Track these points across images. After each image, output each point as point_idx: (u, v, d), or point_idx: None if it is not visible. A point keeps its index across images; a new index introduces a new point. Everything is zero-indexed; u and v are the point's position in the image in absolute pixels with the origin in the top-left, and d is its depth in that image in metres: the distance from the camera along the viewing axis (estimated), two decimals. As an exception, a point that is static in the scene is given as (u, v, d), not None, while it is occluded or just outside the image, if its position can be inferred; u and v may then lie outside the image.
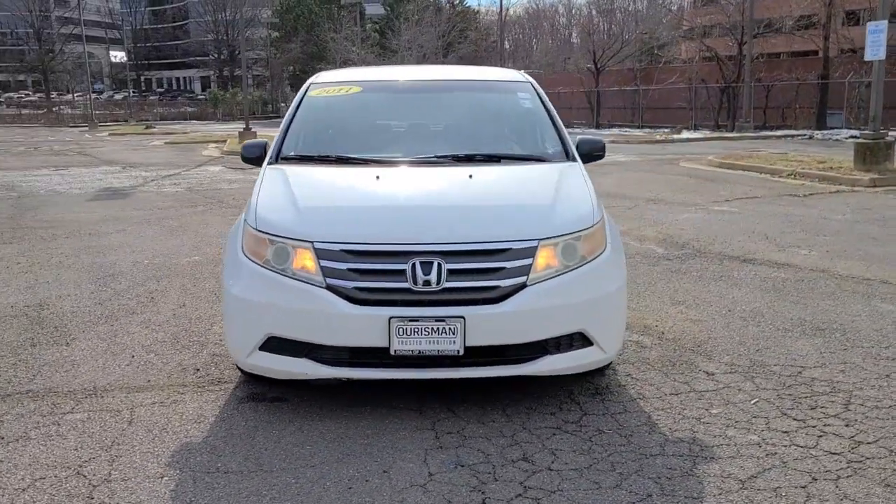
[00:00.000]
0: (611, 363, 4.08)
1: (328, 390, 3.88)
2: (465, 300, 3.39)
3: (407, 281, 3.38)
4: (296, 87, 64.09)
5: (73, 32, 73.13)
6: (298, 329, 3.46)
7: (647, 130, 33.11)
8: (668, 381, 4.11)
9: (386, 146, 4.54)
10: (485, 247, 3.47)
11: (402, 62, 53.69)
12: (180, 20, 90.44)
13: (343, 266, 3.42)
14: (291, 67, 61.39)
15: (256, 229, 3.64)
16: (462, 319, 3.35)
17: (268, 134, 32.49)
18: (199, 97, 75.62)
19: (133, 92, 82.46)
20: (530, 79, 5.15)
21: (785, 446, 3.34)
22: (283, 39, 60.64)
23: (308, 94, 4.91)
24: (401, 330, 3.34)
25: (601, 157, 4.83)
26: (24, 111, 54.25)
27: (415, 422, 3.58)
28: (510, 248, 3.47)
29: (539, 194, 3.85)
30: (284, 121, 4.66)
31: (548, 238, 3.54)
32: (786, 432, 3.48)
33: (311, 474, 3.10)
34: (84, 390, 4.00)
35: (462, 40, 52.53)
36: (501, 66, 50.46)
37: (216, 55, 71.00)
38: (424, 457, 3.24)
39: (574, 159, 4.39)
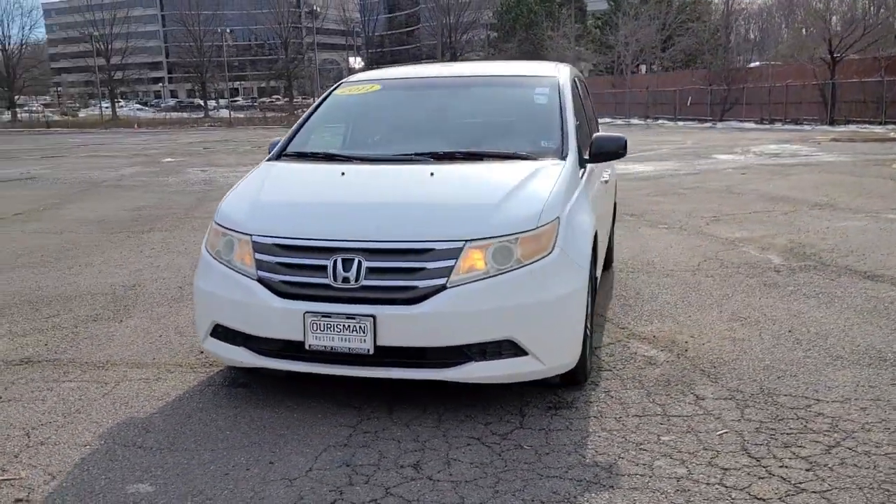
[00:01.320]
0: (583, 378, 3.88)
1: (290, 380, 4.02)
2: (380, 299, 3.38)
3: (328, 277, 3.43)
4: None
5: (316, 41, 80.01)
6: (235, 319, 3.65)
7: (892, 127, 29.56)
8: (643, 401, 3.79)
9: (380, 143, 4.61)
10: (406, 246, 3.43)
11: (617, 58, 52.59)
12: (412, 25, 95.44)
13: (273, 260, 3.55)
14: (509, 67, 62.41)
15: (215, 221, 3.88)
16: (372, 318, 3.34)
17: None
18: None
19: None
20: (563, 73, 4.94)
21: (707, 485, 2.97)
22: (500, 40, 61.87)
23: (334, 92, 5.10)
24: (314, 325, 3.41)
25: (621, 155, 4.57)
26: (270, 114, 60.13)
27: (344, 418, 3.63)
28: (433, 249, 3.40)
29: (489, 194, 3.71)
30: (301, 118, 4.88)
31: (476, 239, 3.42)
32: (725, 469, 3.09)
33: (207, 457, 3.27)
34: (96, 363, 4.50)
35: (683, 33, 50.27)
36: (732, 59, 47.53)
37: (440, 58, 73.95)
38: (320, 453, 3.28)
39: (564, 158, 4.17)
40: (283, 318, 3.46)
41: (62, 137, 41.26)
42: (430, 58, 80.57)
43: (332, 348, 3.41)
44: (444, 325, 3.36)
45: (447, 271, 3.37)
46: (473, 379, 3.47)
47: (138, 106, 77.87)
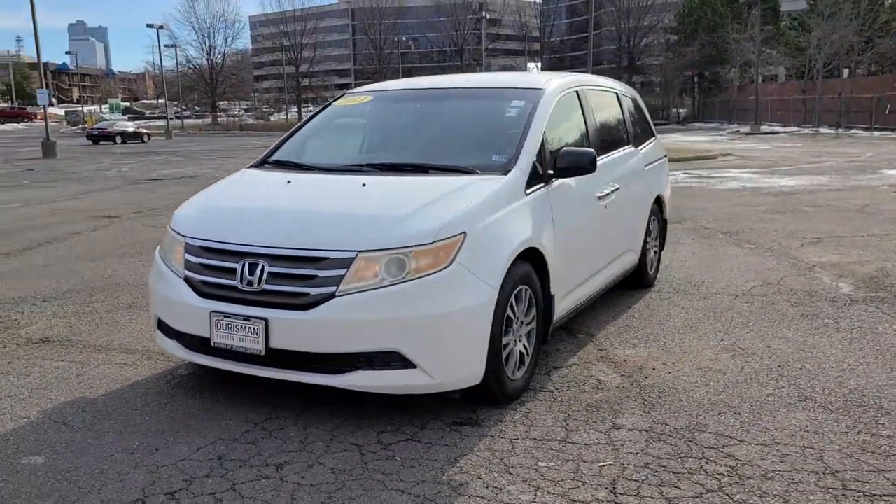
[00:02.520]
0: (502, 396, 3.87)
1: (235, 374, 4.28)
2: (275, 303, 3.58)
3: (236, 279, 3.68)
4: (689, 93, 62.60)
5: (493, 47, 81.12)
6: (167, 314, 4.00)
7: None
8: (554, 426, 3.71)
9: (344, 153, 4.78)
10: (303, 253, 3.60)
11: (808, 62, 49.04)
12: (593, 30, 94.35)
13: (196, 261, 3.86)
14: (688, 72, 60.10)
15: (170, 224, 4.25)
16: (265, 321, 3.54)
17: None
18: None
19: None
20: (552, 85, 4.88)
21: (538, 514, 2.90)
22: (680, 43, 59.68)
23: (334, 102, 5.35)
24: (218, 324, 3.66)
25: (589, 170, 4.49)
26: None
27: (256, 415, 3.84)
28: (327, 258, 3.55)
29: (400, 207, 3.77)
30: (295, 127, 5.18)
31: (370, 250, 3.52)
32: (573, 501, 3.00)
33: (110, 439, 3.60)
34: (97, 346, 5.03)
35: (885, 34, 46.04)
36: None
37: (616, 63, 72.60)
38: (206, 445, 3.52)
39: (507, 173, 4.15)
40: (197, 316, 3.75)
41: (248, 139, 44.90)
42: (610, 63, 79.27)
43: (231, 347, 3.65)
44: (332, 332, 3.49)
45: (338, 280, 3.50)
46: (360, 387, 3.57)
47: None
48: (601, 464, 3.31)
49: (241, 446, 3.50)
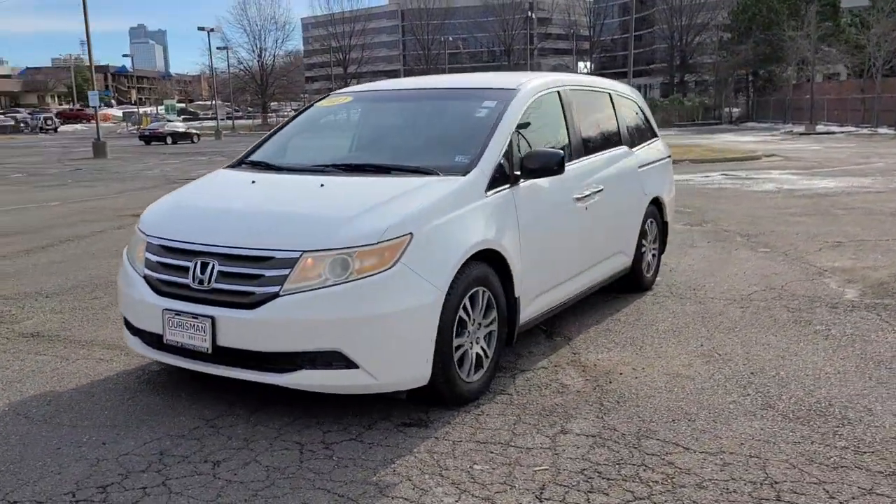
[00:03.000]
0: (452, 398, 3.88)
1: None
2: (223, 302, 3.64)
3: (188, 278, 3.76)
4: (743, 91, 61.26)
5: (543, 47, 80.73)
6: (129, 311, 4.10)
7: None
8: (501, 429, 3.69)
9: (314, 154, 4.83)
10: (251, 253, 3.65)
11: (867, 60, 47.56)
12: (644, 29, 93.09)
13: (156, 259, 3.95)
14: (742, 71, 58.85)
15: (137, 223, 4.36)
16: (211, 319, 3.61)
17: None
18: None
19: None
20: (528, 86, 4.85)
21: (454, 517, 2.90)
22: (734, 41, 58.46)
23: (317, 103, 5.42)
24: (170, 321, 3.75)
25: (556, 171, 4.46)
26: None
27: (210, 411, 3.91)
28: (273, 257, 3.60)
29: (351, 208, 3.80)
30: (276, 127, 5.25)
31: (314, 251, 3.56)
32: (493, 506, 2.99)
33: (64, 432, 3.71)
34: (82, 341, 5.18)
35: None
36: None
37: (668, 62, 71.54)
38: (153, 440, 3.60)
39: (466, 174, 4.14)
40: (152, 313, 3.84)
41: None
42: (662, 62, 78.12)
43: (181, 344, 3.72)
44: (275, 331, 3.54)
45: (282, 279, 3.54)
46: (304, 386, 3.61)
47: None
48: (536, 468, 3.28)
49: (186, 442, 3.57)
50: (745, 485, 3.11)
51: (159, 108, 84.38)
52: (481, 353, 4.09)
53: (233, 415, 3.88)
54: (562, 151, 4.46)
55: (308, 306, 3.50)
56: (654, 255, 6.56)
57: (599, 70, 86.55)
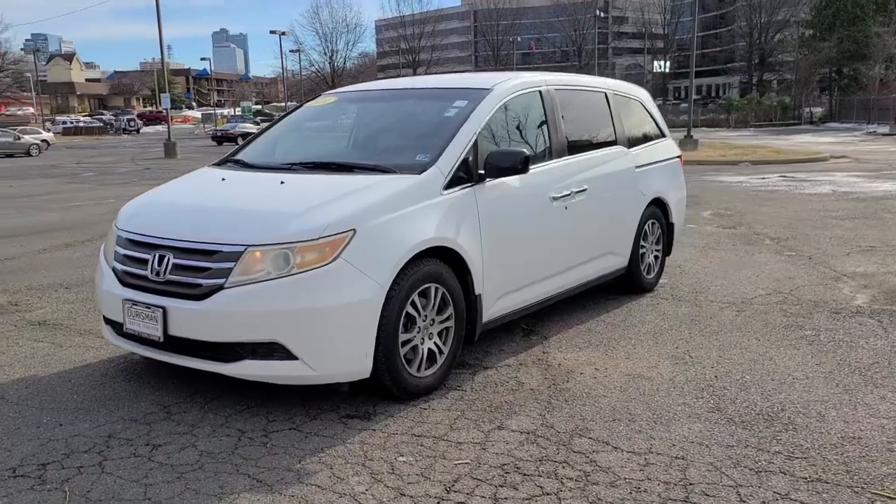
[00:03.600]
0: (399, 391, 3.97)
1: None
2: (175, 293, 3.83)
3: (147, 270, 3.97)
4: (827, 91, 59.05)
5: (617, 46, 79.60)
6: (101, 302, 4.34)
7: None
8: (442, 422, 3.77)
9: (289, 152, 4.98)
10: (201, 246, 3.83)
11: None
12: (724, 27, 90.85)
13: (123, 252, 4.17)
14: (825, 69, 56.77)
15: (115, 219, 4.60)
16: (162, 309, 3.81)
17: (714, 141, 31.03)
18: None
19: (673, 99, 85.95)
20: (504, 86, 4.90)
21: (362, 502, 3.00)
22: (816, 38, 56.46)
23: (307, 103, 5.59)
24: (129, 311, 3.96)
25: (519, 171, 4.51)
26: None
27: (170, 397, 4.11)
28: (220, 251, 3.77)
29: (300, 204, 3.93)
30: (265, 125, 5.45)
31: (257, 245, 3.71)
32: (402, 495, 3.07)
33: (31, 413, 3.94)
34: (82, 330, 5.46)
35: None
36: None
37: (747, 60, 69.58)
38: (107, 423, 3.81)
39: (421, 172, 4.23)
40: (116, 303, 4.06)
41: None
42: (741, 60, 76.05)
43: (138, 333, 3.93)
44: (220, 322, 3.70)
45: (227, 272, 3.71)
46: (247, 376, 3.76)
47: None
48: (458, 462, 3.35)
49: (136, 426, 3.77)
50: (658, 485, 3.11)
51: (236, 109, 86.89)
52: (434, 348, 4.16)
53: (191, 402, 4.07)
54: (525, 150, 4.49)
55: (250, 299, 3.65)
56: (656, 257, 6.50)
57: (675, 69, 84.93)
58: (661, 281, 6.68)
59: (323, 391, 4.03)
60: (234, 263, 3.70)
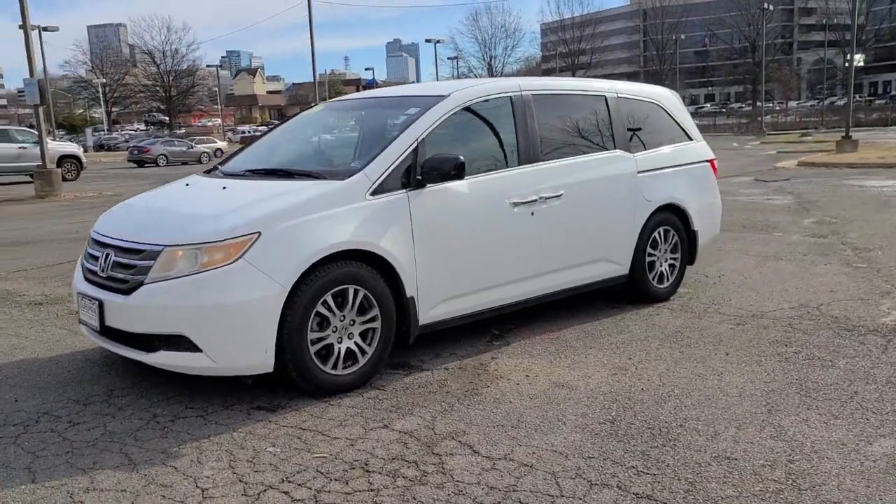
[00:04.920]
0: (311, 387, 4.20)
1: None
2: (111, 287, 4.30)
3: (97, 266, 4.48)
4: None
5: (801, 40, 74.82)
6: (73, 297, 4.91)
7: None
8: (332, 418, 3.97)
9: (257, 160, 5.34)
10: (133, 246, 4.28)
11: None
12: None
13: (88, 251, 4.72)
14: None
15: (98, 222, 5.17)
16: (99, 302, 4.29)
17: (882, 141, 28.33)
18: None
19: (868, 95, 79.80)
20: (460, 94, 5.02)
21: (189, 490, 3.29)
22: None
23: (303, 112, 5.98)
24: (80, 303, 4.49)
25: (455, 176, 4.63)
26: (724, 121, 58.69)
27: (128, 384, 4.60)
28: (144, 250, 4.20)
29: (220, 208, 4.28)
30: (261, 134, 5.89)
31: (172, 245, 4.10)
32: (245, 484, 3.32)
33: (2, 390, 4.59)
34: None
35: None
36: None
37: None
38: (53, 402, 4.34)
39: (345, 178, 4.46)
40: (75, 295, 4.61)
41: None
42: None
43: (86, 322, 4.44)
44: (139, 314, 4.12)
45: (148, 270, 4.13)
46: (162, 365, 4.16)
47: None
48: (316, 455, 3.55)
49: (73, 406, 4.26)
50: (482, 489, 3.16)
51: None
52: (355, 348, 4.36)
53: (134, 388, 4.52)
54: (461, 157, 4.59)
55: (162, 294, 4.04)
56: (671, 266, 6.31)
57: (873, 62, 78.84)
58: (682, 290, 6.48)
59: (257, 384, 4.32)
60: (153, 262, 4.10)
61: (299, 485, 3.26)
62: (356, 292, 4.31)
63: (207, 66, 78.72)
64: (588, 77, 73.36)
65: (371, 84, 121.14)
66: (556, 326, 5.55)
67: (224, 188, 4.67)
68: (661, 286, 6.24)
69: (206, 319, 3.97)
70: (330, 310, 4.23)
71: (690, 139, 6.64)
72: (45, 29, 45.37)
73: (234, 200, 4.42)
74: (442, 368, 4.72)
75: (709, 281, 6.96)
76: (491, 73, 72.65)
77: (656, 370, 4.55)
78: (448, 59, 67.75)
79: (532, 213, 5.14)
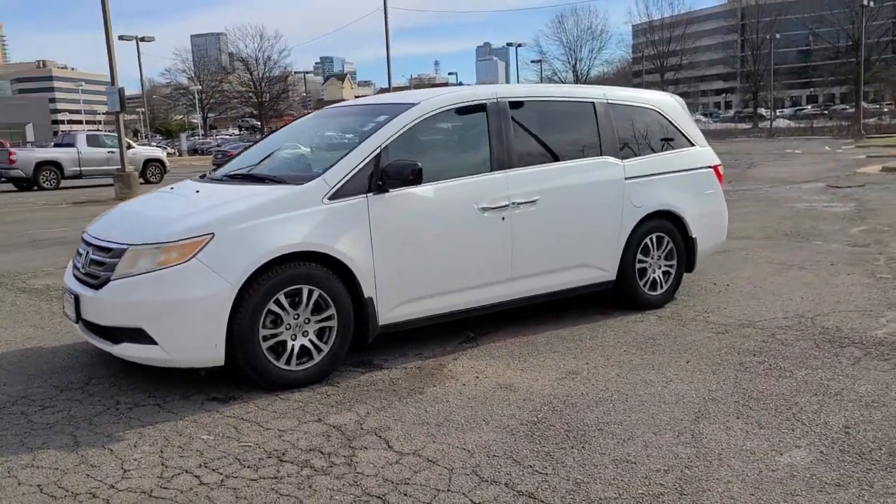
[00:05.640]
0: (263, 380, 4.46)
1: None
2: (87, 283, 4.68)
3: (80, 262, 4.88)
4: None
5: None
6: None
7: None
8: (276, 410, 4.20)
9: (239, 165, 5.64)
10: (104, 244, 4.64)
11: None
12: None
13: (78, 248, 5.13)
14: None
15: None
16: (75, 296, 4.68)
17: None
18: None
19: None
20: (429, 103, 5.19)
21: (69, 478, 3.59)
22: None
23: (297, 118, 6.28)
24: (64, 297, 4.90)
25: (412, 181, 4.81)
26: (822, 124, 56.39)
27: (109, 373, 4.98)
28: (112, 249, 4.56)
29: (185, 210, 4.61)
30: (259, 139, 6.22)
31: (135, 244, 4.44)
32: (164, 464, 3.60)
33: (-3, 375, 5.04)
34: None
35: None
36: None
37: None
38: (34, 387, 4.73)
39: (303, 184, 4.71)
40: (64, 291, 5.02)
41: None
42: None
43: (67, 315, 4.84)
44: (105, 308, 4.47)
45: (114, 267, 4.48)
46: (126, 356, 4.49)
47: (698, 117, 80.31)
48: (241, 444, 3.80)
49: (52, 391, 4.65)
50: (376, 480, 3.33)
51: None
52: (310, 345, 4.60)
53: (110, 378, 4.88)
54: (418, 163, 4.76)
55: (125, 290, 4.38)
56: (666, 273, 6.30)
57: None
58: (682, 298, 6.47)
59: (221, 377, 4.60)
60: (118, 260, 4.45)
61: (213, 470, 3.50)
62: (311, 292, 4.54)
63: (295, 72, 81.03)
64: (677, 79, 71.83)
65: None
66: (532, 330, 5.65)
67: (197, 192, 4.99)
68: (654, 293, 6.23)
69: (161, 314, 4.28)
70: (283, 308, 4.47)
71: (693, 145, 6.61)
72: (142, 39, 47.65)
73: (198, 204, 4.73)
74: (401, 368, 4.90)
75: (716, 289, 6.89)
76: (576, 76, 72.17)
77: (607, 375, 4.60)
78: (530, 62, 67.63)
79: (503, 219, 5.26)
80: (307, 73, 76.37)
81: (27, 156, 26.15)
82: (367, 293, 4.73)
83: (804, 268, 7.73)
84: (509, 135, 5.42)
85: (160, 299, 4.27)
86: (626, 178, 5.98)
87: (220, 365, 4.38)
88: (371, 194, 4.77)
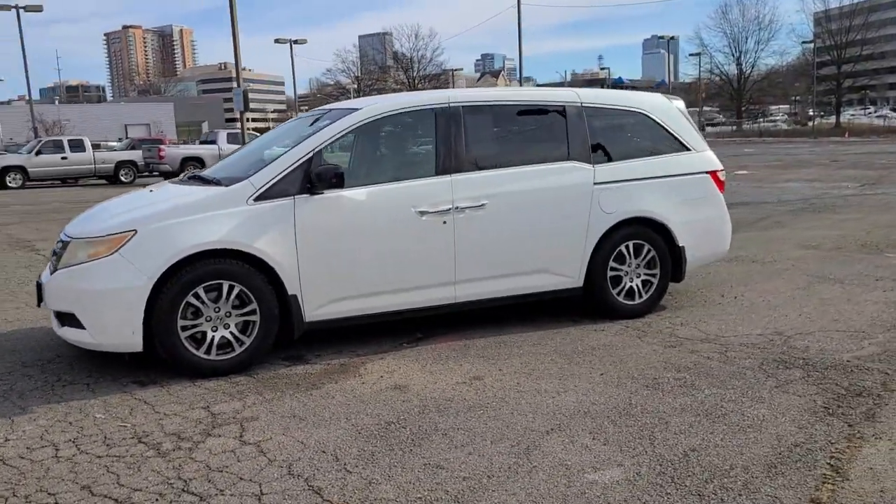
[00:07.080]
0: (181, 364, 4.88)
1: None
2: (51, 272, 5.27)
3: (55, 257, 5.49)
4: None
5: None
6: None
7: None
8: (179, 395, 4.58)
9: (214, 168, 6.06)
10: (62, 238, 5.21)
11: None
12: None
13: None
14: None
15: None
16: (38, 284, 5.28)
17: None
18: None
19: None
20: (372, 109, 5.41)
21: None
22: None
23: (288, 119, 6.67)
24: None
25: (335, 184, 5.05)
26: None
27: (97, 364, 5.58)
28: (64, 241, 5.12)
29: (124, 208, 5.11)
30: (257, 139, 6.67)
31: (76, 238, 4.98)
32: (48, 440, 4.07)
33: (-12, 351, 5.75)
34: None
35: None
36: None
37: None
38: (13, 369, 5.40)
39: (228, 185, 5.06)
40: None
41: (744, 147, 43.78)
42: None
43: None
44: (52, 294, 5.02)
45: (61, 258, 5.04)
46: (67, 339, 5.01)
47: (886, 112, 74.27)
48: (120, 425, 4.18)
49: (18, 368, 5.23)
50: (196, 465, 3.60)
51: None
52: (231, 337, 4.94)
53: (77, 358, 5.41)
54: (340, 167, 5.00)
55: (64, 279, 4.91)
56: (645, 282, 6.16)
57: None
58: (674, 308, 6.35)
59: (162, 364, 5.02)
60: (65, 252, 5.00)
61: (76, 445, 3.90)
62: (231, 287, 4.88)
63: (444, 69, 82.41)
64: (856, 71, 66.62)
65: (618, 83, 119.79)
66: (480, 334, 5.71)
67: (151, 191, 5.47)
68: (631, 302, 6.11)
69: (87, 302, 4.77)
70: (202, 301, 4.84)
71: (688, 150, 6.39)
72: (295, 42, 50.51)
73: (139, 202, 5.21)
74: (324, 364, 5.14)
75: (716, 301, 6.65)
76: (740, 69, 68.92)
77: (507, 383, 4.63)
78: (689, 55, 65.20)
79: (444, 223, 5.38)
80: (458, 69, 77.26)
81: (174, 152, 28.58)
82: (291, 291, 5.01)
83: (841, 282, 7.25)
84: (459, 140, 5.51)
85: (88, 288, 4.76)
86: (596, 184, 5.89)
87: (139, 350, 4.81)
88: (299, 196, 5.04)
